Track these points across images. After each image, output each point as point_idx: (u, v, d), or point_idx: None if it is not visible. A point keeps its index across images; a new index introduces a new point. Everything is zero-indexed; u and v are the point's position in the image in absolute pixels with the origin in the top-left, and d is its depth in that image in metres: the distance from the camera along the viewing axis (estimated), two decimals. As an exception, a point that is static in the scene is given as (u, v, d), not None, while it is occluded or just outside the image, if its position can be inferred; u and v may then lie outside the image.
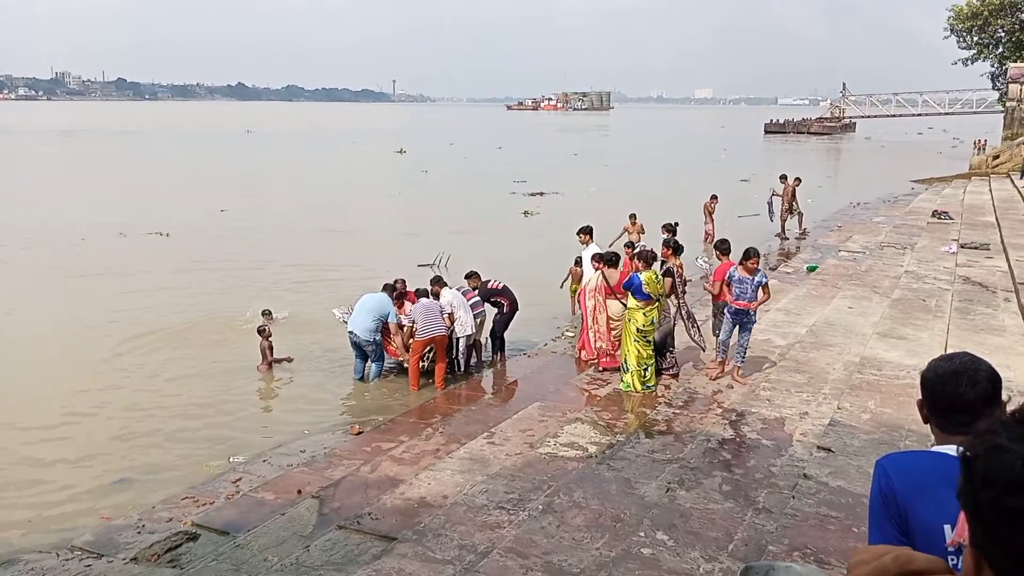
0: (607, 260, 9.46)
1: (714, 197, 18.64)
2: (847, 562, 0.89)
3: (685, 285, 9.93)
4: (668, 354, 8.91)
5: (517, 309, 10.47)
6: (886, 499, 2.05)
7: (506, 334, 10.51)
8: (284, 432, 8.50)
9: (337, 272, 15.90)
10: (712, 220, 18.43)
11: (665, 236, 11.44)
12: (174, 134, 74.32)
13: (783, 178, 19.76)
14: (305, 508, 5.97)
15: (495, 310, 10.41)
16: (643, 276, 8.39)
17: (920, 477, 2.03)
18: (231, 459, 7.59)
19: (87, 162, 44.17)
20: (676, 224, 12.72)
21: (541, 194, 29.13)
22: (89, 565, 5.41)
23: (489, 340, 10.47)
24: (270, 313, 11.81)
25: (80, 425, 8.44)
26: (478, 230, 21.32)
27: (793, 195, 19.68)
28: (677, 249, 9.78)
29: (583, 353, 9.87)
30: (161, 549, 5.47)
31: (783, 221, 19.98)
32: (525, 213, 24.28)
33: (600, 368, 9.30)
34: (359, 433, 8.07)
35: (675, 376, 8.87)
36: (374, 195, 29.68)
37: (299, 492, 6.36)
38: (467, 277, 10.43)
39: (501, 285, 10.40)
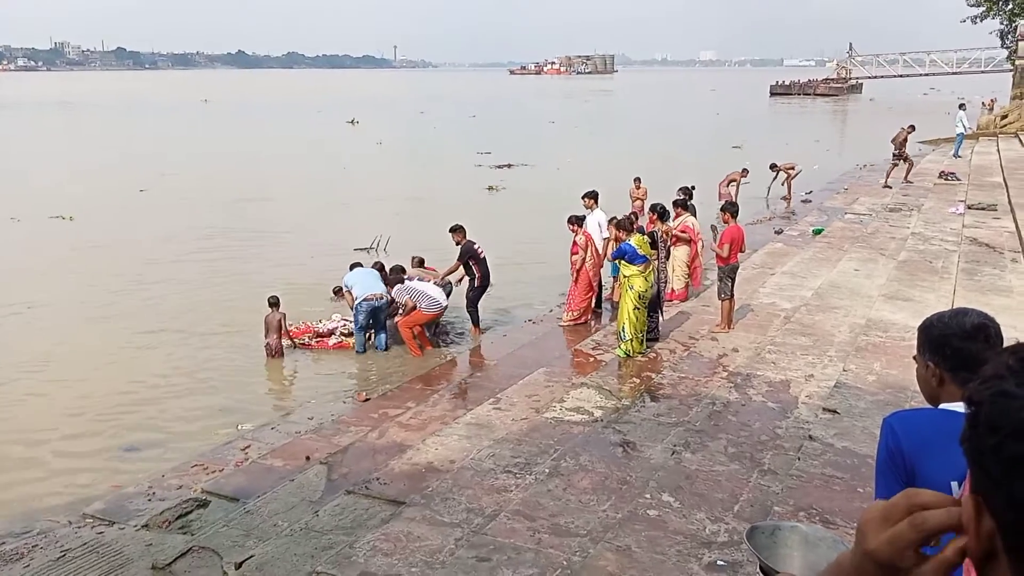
0: (660, 214, 9.97)
1: (744, 171, 17.63)
2: (858, 522, 0.88)
3: (669, 248, 10.12)
4: (649, 317, 8.88)
5: (488, 284, 10.30)
6: (893, 456, 2.05)
7: (514, 301, 10.50)
8: (291, 400, 8.57)
9: (251, 257, 14.67)
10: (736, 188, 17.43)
11: (680, 198, 11.43)
12: (128, 105, 70.01)
13: (773, 166, 19.61)
14: (314, 474, 6.03)
15: (467, 281, 10.29)
16: (633, 241, 8.43)
17: (927, 434, 2.03)
18: (239, 427, 7.65)
19: (9, 139, 40.10)
20: (693, 188, 12.62)
21: (509, 166, 26.96)
22: (101, 532, 5.48)
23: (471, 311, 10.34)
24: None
25: (88, 396, 8.49)
26: (430, 208, 19.05)
27: (904, 143, 20.50)
28: (663, 215, 9.97)
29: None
30: (172, 516, 5.53)
31: (908, 168, 20.86)
32: (489, 188, 22.46)
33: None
34: (366, 400, 8.13)
35: (654, 340, 8.86)
36: (315, 171, 26.50)
37: (307, 458, 6.41)
38: (451, 231, 10.24)
39: (483, 255, 10.23)
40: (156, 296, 12.15)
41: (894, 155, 21.11)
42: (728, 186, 17.06)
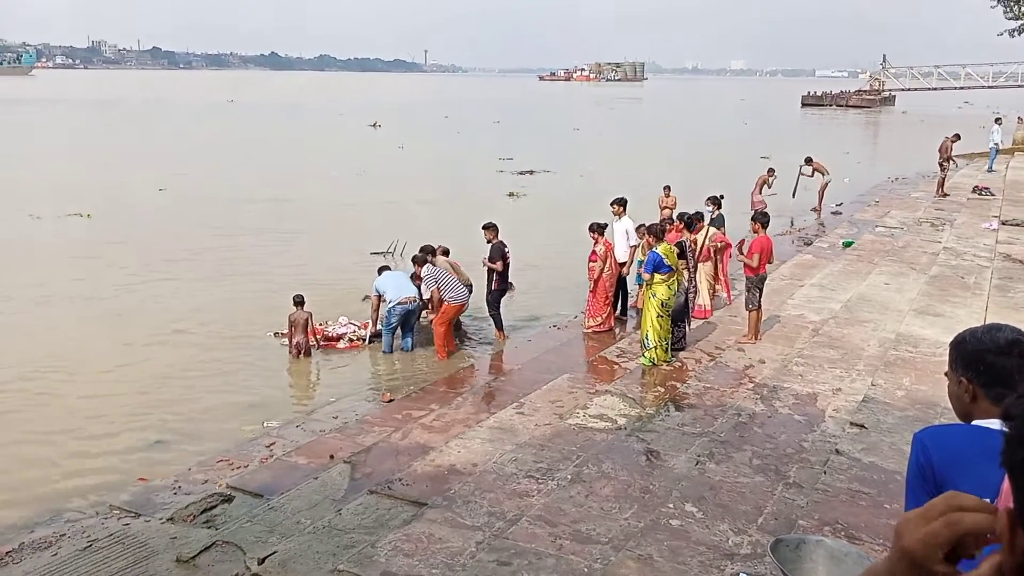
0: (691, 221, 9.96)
1: (771, 170, 17.32)
2: (895, 527, 0.88)
3: (697, 259, 10.02)
4: (677, 327, 8.84)
5: (506, 288, 10.34)
6: (923, 471, 2.02)
7: (538, 307, 10.50)
8: (316, 399, 8.64)
9: (268, 270, 13.80)
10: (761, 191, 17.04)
11: (709, 208, 11.38)
12: (158, 104, 70.15)
13: (808, 160, 19.36)
14: (337, 473, 6.06)
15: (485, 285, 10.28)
16: (660, 250, 8.43)
17: (959, 450, 2.00)
18: (265, 424, 7.72)
19: (37, 136, 39.15)
20: (721, 197, 12.46)
21: (531, 173, 26.54)
22: (127, 524, 5.55)
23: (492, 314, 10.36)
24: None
25: (117, 390, 8.60)
26: (449, 213, 18.38)
27: (950, 152, 21.13)
28: (689, 224, 9.93)
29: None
30: (197, 510, 5.59)
31: (942, 179, 21.44)
32: (510, 195, 22.18)
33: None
34: (390, 401, 8.17)
35: (680, 349, 8.81)
36: (333, 174, 26.15)
37: (331, 457, 6.46)
38: (484, 228, 10.22)
39: (509, 258, 10.22)
40: (175, 294, 12.26)
41: (940, 164, 21.31)
42: (760, 192, 16.83)
